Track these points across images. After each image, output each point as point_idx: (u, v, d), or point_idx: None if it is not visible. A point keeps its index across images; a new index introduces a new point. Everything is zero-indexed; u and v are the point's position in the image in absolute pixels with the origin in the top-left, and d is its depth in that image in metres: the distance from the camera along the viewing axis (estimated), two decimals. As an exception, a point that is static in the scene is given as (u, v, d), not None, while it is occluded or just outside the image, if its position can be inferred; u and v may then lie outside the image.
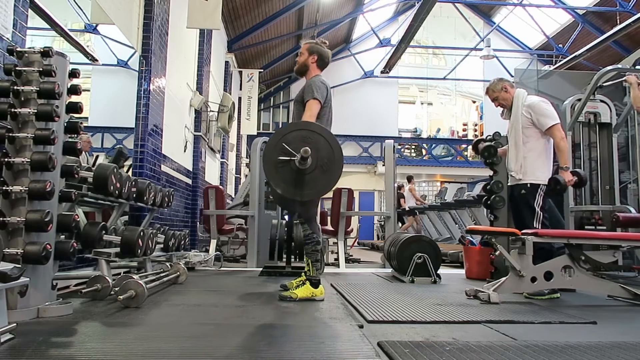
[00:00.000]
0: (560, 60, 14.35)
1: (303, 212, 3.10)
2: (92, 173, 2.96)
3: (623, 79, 3.95)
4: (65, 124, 2.47)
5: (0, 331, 1.71)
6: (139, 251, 3.06)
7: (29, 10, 2.76)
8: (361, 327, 2.18)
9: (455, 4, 16.54)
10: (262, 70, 13.79)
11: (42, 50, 2.35)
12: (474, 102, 20.22)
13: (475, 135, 19.01)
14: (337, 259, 5.55)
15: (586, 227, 3.67)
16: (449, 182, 15.92)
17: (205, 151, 7.35)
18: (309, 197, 2.55)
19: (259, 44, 12.75)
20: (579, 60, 13.33)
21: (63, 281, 3.00)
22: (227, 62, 10.79)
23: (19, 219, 2.16)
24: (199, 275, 4.35)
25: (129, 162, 4.74)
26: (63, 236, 2.50)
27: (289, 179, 2.55)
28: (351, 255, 7.09)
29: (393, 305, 2.78)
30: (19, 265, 1.97)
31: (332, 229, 5.87)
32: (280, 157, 2.52)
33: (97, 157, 5.97)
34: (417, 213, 11.01)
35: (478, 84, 18.80)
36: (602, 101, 3.92)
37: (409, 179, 11.66)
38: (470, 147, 17.87)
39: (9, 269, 1.84)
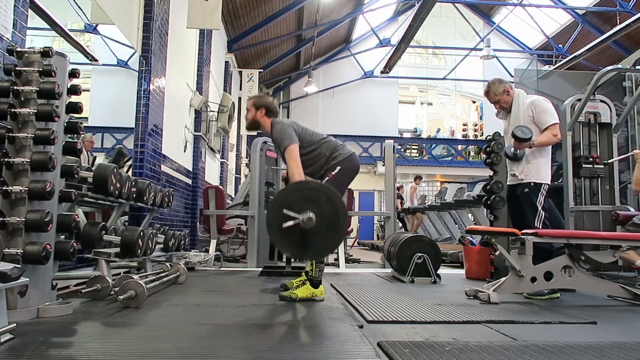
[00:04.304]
0: (560, 60, 14.33)
1: None
2: (92, 173, 2.96)
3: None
4: (65, 124, 2.47)
5: (0, 331, 1.71)
6: (139, 251, 3.06)
7: (29, 10, 2.76)
8: (361, 327, 2.18)
9: (455, 4, 16.52)
10: (262, 70, 13.76)
11: (42, 50, 2.35)
12: (474, 102, 20.21)
13: (475, 135, 19.00)
14: (337, 259, 5.54)
15: (584, 165, 3.64)
16: (449, 182, 15.91)
17: (205, 151, 7.34)
18: (318, 256, 2.52)
19: (259, 44, 12.73)
20: (579, 61, 13.31)
21: (63, 281, 3.00)
22: (227, 62, 10.79)
23: (19, 219, 2.16)
24: (199, 275, 4.35)
25: (129, 162, 4.75)
26: (63, 236, 2.50)
27: (296, 242, 2.52)
28: (351, 256, 7.09)
29: (393, 305, 2.78)
30: (19, 265, 1.97)
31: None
32: (285, 224, 2.44)
33: (94, 158, 5.98)
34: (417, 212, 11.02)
35: (478, 84, 18.77)
36: (602, 101, 3.92)
37: (416, 178, 11.73)
38: (470, 147, 17.91)
39: (9, 269, 1.84)
